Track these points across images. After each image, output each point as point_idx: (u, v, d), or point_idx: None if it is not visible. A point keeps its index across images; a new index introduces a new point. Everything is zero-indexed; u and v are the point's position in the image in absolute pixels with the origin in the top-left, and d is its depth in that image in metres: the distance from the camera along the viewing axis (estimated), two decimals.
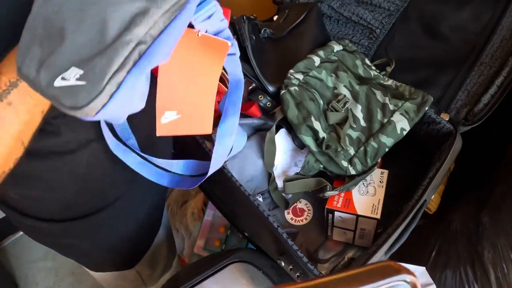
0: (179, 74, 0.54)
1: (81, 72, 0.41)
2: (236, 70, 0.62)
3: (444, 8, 1.11)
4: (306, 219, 1.07)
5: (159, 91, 0.54)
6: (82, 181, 0.80)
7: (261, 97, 1.01)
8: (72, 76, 0.42)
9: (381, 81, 1.06)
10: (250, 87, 1.04)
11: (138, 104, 0.46)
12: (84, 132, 0.75)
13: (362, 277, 0.36)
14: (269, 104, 1.01)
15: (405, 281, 0.36)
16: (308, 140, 0.94)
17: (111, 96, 0.41)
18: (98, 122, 0.74)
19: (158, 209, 1.08)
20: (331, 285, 0.36)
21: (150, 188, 0.97)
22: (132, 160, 0.76)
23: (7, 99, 0.52)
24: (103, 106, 0.41)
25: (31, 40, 0.46)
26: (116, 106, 0.42)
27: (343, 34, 1.18)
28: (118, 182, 0.86)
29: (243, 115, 1.03)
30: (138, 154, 0.76)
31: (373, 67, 1.10)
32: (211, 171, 0.70)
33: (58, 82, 0.42)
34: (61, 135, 0.67)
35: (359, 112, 1.00)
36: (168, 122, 0.57)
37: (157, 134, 0.57)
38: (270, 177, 1.02)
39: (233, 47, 0.56)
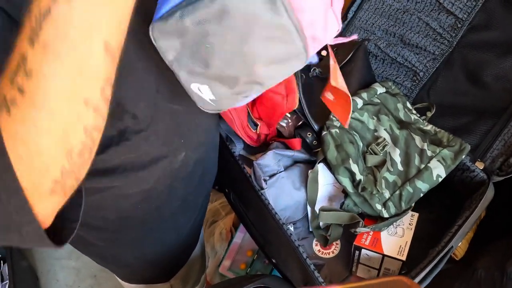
0: None
1: None
2: None
3: (488, 56, 1.19)
4: (333, 252, 1.16)
5: None
6: (145, 194, 0.89)
7: (309, 134, 1.13)
8: None
9: (421, 126, 1.16)
10: (300, 123, 1.14)
11: None
12: (158, 147, 0.83)
13: None
14: (315, 142, 1.12)
15: None
16: (345, 181, 1.04)
17: None
18: (169, 138, 0.85)
19: (199, 226, 1.18)
20: None
21: (197, 207, 1.08)
22: None
23: (39, 41, 0.43)
24: None
25: None
26: None
27: (388, 74, 1.28)
28: (174, 199, 0.97)
29: (284, 146, 1.14)
30: None
31: (414, 111, 1.20)
32: None
33: None
34: (138, 150, 0.75)
35: (397, 156, 1.09)
36: None
37: None
38: (305, 209, 1.12)
39: None
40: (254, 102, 1.01)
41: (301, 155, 1.14)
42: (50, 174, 0.48)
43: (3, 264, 1.85)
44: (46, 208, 0.50)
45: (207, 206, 1.22)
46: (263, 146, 1.20)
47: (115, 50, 0.47)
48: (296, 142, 1.12)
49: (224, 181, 1.25)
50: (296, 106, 1.06)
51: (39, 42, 0.42)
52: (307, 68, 1.17)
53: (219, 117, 1.00)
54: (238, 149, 1.21)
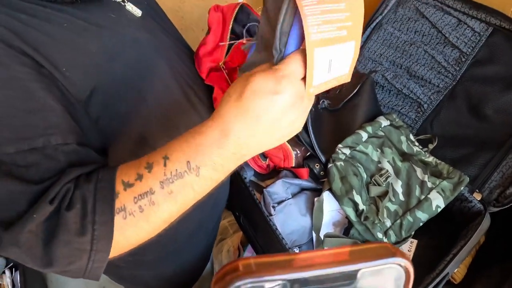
0: None
1: None
2: None
3: (490, 89, 1.28)
4: None
5: None
6: None
7: (317, 165, 1.23)
8: None
9: (422, 157, 1.26)
10: (308, 154, 1.25)
11: None
12: None
13: (357, 254, 0.37)
14: (322, 173, 1.23)
15: (399, 264, 0.37)
16: (349, 211, 1.15)
17: None
18: None
19: (211, 245, 1.30)
20: (326, 259, 0.37)
21: (210, 228, 1.19)
22: None
23: (169, 188, 0.64)
24: None
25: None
26: None
27: (393, 104, 1.39)
28: (190, 222, 1.07)
29: (293, 175, 1.25)
30: None
31: (416, 143, 1.30)
32: None
33: None
34: None
35: (399, 187, 1.20)
36: None
37: None
38: (311, 233, 1.23)
39: None
40: None
41: (308, 184, 1.25)
42: (124, 251, 0.70)
43: (15, 271, 1.97)
44: None
45: (219, 226, 1.34)
46: (272, 173, 1.31)
47: None
48: (304, 172, 1.23)
49: (235, 204, 1.36)
50: (292, 165, 1.20)
51: (168, 189, 0.64)
52: (316, 100, 1.28)
53: None
54: (249, 175, 1.31)
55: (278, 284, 0.35)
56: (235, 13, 1.14)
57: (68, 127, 0.70)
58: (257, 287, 0.35)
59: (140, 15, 0.93)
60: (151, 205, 0.64)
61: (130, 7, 0.91)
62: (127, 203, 0.64)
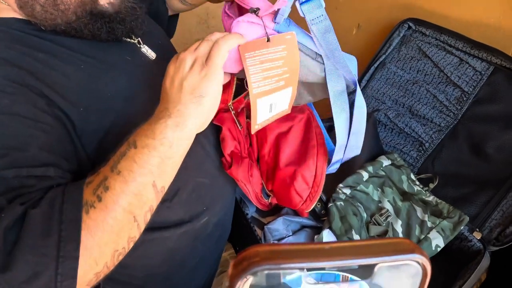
0: None
1: None
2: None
3: (491, 128, 1.33)
4: None
5: None
6: (168, 253, 1.03)
7: (318, 204, 1.29)
8: None
9: (423, 197, 1.32)
10: None
11: None
12: (180, 214, 1.00)
13: (375, 248, 0.38)
14: (323, 212, 1.28)
15: (417, 261, 0.38)
16: None
17: None
18: (192, 207, 1.02)
19: (212, 278, 1.35)
20: (344, 251, 0.38)
21: (213, 261, 1.24)
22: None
23: (117, 169, 0.69)
24: None
25: None
26: None
27: (395, 143, 1.45)
28: (194, 256, 1.12)
29: (294, 213, 1.31)
30: None
31: (417, 182, 1.36)
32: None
33: None
34: (159, 216, 0.84)
35: (399, 226, 1.25)
36: None
37: None
38: None
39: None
40: (268, 176, 1.18)
41: (309, 222, 1.31)
42: (97, 267, 0.68)
43: None
44: None
45: (221, 258, 1.39)
46: (273, 209, 1.36)
47: (159, 189, 0.73)
48: (304, 210, 1.29)
49: (236, 239, 1.42)
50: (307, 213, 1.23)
51: (116, 170, 0.68)
52: None
53: (235, 184, 1.16)
54: (251, 211, 1.37)
55: (295, 273, 0.37)
56: None
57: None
58: (273, 274, 0.37)
59: (154, 57, 0.99)
60: (106, 191, 0.67)
61: (145, 49, 0.98)
62: (88, 196, 0.66)
